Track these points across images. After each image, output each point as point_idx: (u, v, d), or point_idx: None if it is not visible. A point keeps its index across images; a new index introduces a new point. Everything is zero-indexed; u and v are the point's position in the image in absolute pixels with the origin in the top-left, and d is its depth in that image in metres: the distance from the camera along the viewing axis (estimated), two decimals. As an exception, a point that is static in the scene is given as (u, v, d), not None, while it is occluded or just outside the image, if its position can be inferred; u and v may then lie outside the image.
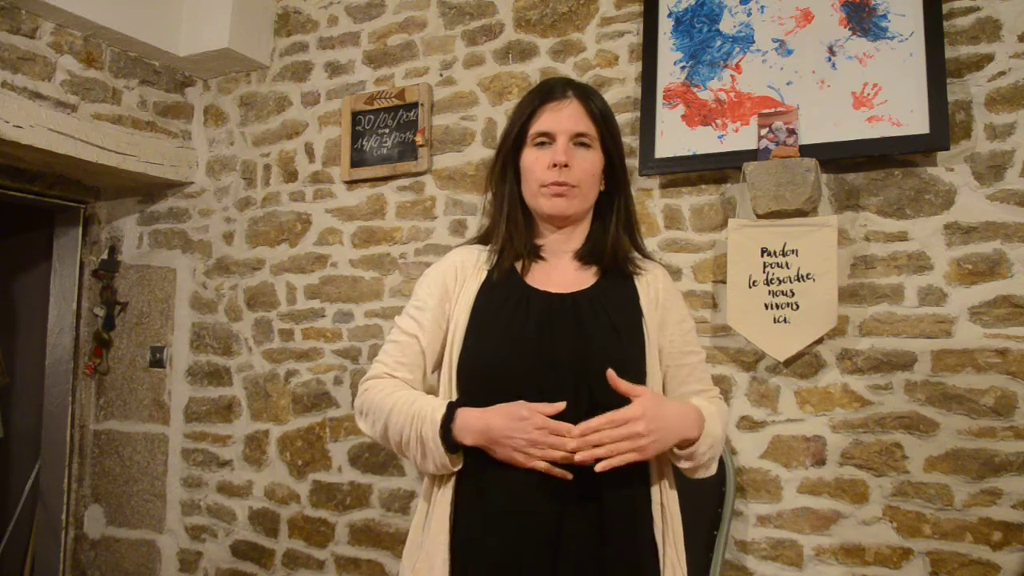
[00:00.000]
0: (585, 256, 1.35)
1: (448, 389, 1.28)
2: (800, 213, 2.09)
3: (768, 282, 2.12)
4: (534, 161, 1.31)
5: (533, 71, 2.57)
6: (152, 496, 3.14)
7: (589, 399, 1.20)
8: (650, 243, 2.34)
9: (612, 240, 1.34)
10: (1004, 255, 1.95)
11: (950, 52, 2.02)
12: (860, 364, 2.07)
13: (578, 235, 1.36)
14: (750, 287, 2.14)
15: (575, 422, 1.17)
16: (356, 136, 2.82)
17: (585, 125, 1.31)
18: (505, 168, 1.35)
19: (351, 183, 2.85)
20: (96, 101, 2.83)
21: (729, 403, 2.21)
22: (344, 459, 2.77)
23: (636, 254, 1.39)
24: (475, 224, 2.61)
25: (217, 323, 3.09)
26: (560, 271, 1.34)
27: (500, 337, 1.26)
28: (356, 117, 2.83)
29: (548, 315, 1.27)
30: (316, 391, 2.85)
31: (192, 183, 3.18)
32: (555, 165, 1.28)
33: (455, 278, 1.34)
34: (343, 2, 2.93)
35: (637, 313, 1.31)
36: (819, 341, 2.10)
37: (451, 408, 1.21)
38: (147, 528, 3.14)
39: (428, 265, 2.70)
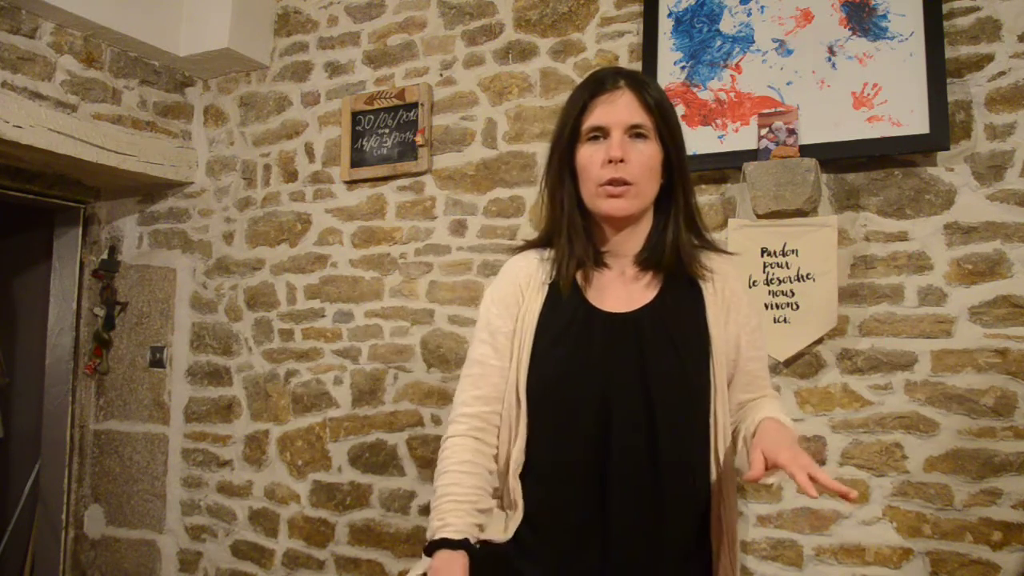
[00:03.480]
0: (647, 261, 1.29)
1: (515, 407, 1.25)
2: (800, 213, 2.09)
3: (768, 282, 2.12)
4: (589, 159, 1.24)
5: (533, 71, 2.57)
6: (152, 496, 3.14)
7: (651, 424, 1.19)
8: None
9: (673, 240, 1.27)
10: (1004, 255, 1.95)
11: (950, 52, 2.02)
12: (860, 364, 2.07)
13: (639, 234, 1.30)
14: (750, 287, 2.14)
15: (642, 445, 1.18)
16: (356, 136, 2.82)
17: (640, 116, 1.24)
18: (561, 168, 1.28)
19: (351, 183, 2.85)
20: (96, 101, 2.83)
21: (729, 403, 2.21)
22: (344, 459, 2.77)
23: (702, 251, 1.31)
24: (475, 224, 2.61)
25: (217, 323, 3.09)
26: (622, 282, 1.29)
27: (565, 364, 1.23)
28: (356, 117, 2.83)
29: (610, 339, 1.23)
30: (316, 391, 2.85)
31: (192, 183, 3.19)
32: (610, 161, 1.21)
33: (520, 295, 1.30)
34: (343, 2, 2.93)
35: (702, 328, 1.26)
36: (819, 341, 2.10)
37: (433, 546, 1.20)
38: (147, 528, 3.14)
39: (428, 265, 2.71)
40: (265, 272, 3.00)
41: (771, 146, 2.13)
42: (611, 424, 1.19)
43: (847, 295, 2.09)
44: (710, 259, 1.31)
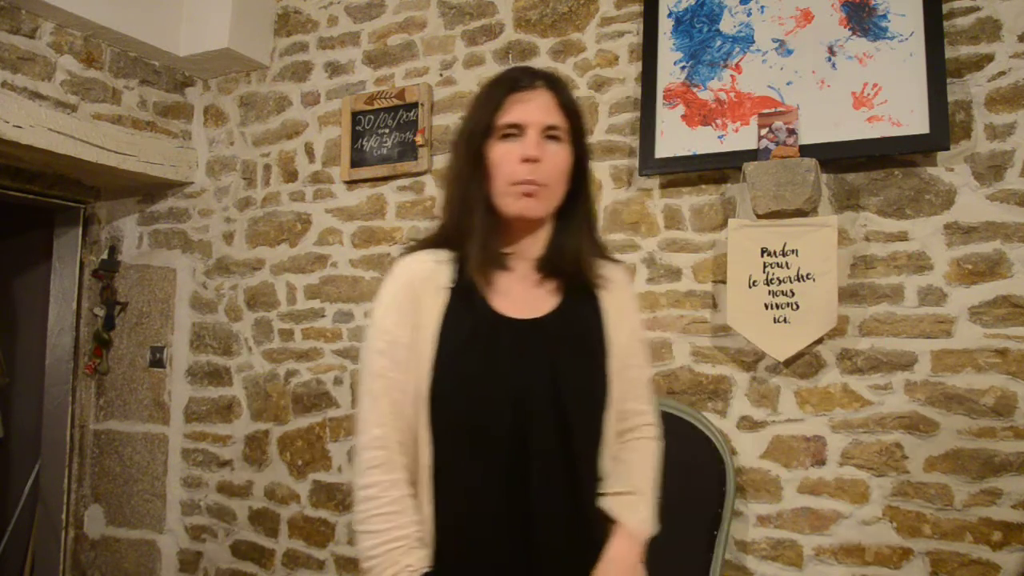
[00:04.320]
0: (548, 266, 1.27)
1: (416, 416, 1.20)
2: (800, 213, 2.09)
3: (768, 282, 2.12)
4: (503, 156, 1.20)
5: (533, 71, 2.57)
6: (152, 496, 3.14)
7: (565, 428, 1.19)
8: (650, 243, 2.34)
9: (575, 246, 1.26)
10: (1004, 255, 1.95)
11: (950, 52, 2.02)
12: (860, 364, 2.07)
13: (542, 238, 1.28)
14: (750, 287, 2.14)
15: (557, 448, 1.18)
16: (356, 136, 2.82)
17: (556, 117, 1.22)
18: (473, 165, 1.23)
19: (351, 183, 2.85)
20: (96, 101, 2.83)
21: (729, 403, 2.21)
22: (344, 459, 2.77)
23: (598, 259, 1.31)
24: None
25: (217, 323, 3.09)
26: (524, 286, 1.26)
27: (475, 370, 1.20)
28: (356, 117, 2.83)
29: (519, 346, 1.21)
30: (316, 391, 2.85)
31: (192, 183, 3.19)
32: (527, 160, 1.18)
33: (418, 300, 1.22)
34: (343, 2, 2.94)
35: (602, 335, 1.28)
36: (819, 341, 2.10)
37: None
38: (147, 528, 3.14)
39: (428, 265, 2.70)
40: (265, 272, 3.00)
41: (771, 146, 2.13)
42: (527, 428, 1.18)
43: (847, 295, 2.09)
44: (605, 267, 1.31)
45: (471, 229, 1.22)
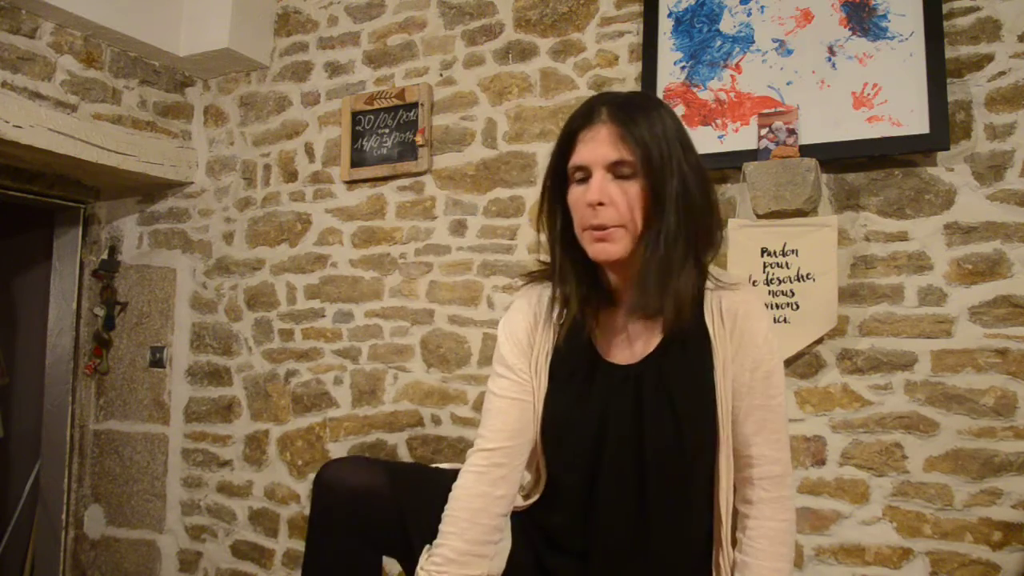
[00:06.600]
0: (643, 308, 1.18)
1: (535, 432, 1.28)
2: (800, 213, 2.09)
3: (768, 282, 2.12)
4: (575, 202, 1.17)
5: (533, 71, 2.57)
6: (152, 496, 3.14)
7: (642, 485, 1.18)
8: (650, 243, 2.34)
9: (655, 285, 1.15)
10: (1004, 255, 1.95)
11: (950, 52, 2.02)
12: (860, 364, 2.07)
13: None
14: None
15: (629, 508, 1.19)
16: (356, 136, 2.82)
17: (622, 151, 1.13)
18: (552, 210, 1.22)
19: (351, 183, 2.85)
20: (96, 101, 2.83)
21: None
22: (344, 459, 2.77)
23: (712, 290, 1.21)
24: (475, 224, 2.62)
25: (217, 323, 3.09)
26: (631, 323, 1.23)
27: (565, 412, 1.24)
28: (356, 117, 2.83)
29: (609, 394, 1.21)
30: (316, 391, 2.85)
31: (192, 183, 3.19)
32: (591, 205, 1.14)
33: (532, 336, 1.27)
34: (343, 2, 2.94)
35: (706, 382, 1.19)
36: (819, 341, 2.10)
37: None
38: (147, 528, 3.14)
39: (428, 265, 2.71)
40: (265, 272, 3.00)
41: (771, 146, 2.13)
42: (599, 481, 1.19)
43: (847, 295, 2.09)
44: (721, 298, 1.20)
45: (555, 273, 1.24)
